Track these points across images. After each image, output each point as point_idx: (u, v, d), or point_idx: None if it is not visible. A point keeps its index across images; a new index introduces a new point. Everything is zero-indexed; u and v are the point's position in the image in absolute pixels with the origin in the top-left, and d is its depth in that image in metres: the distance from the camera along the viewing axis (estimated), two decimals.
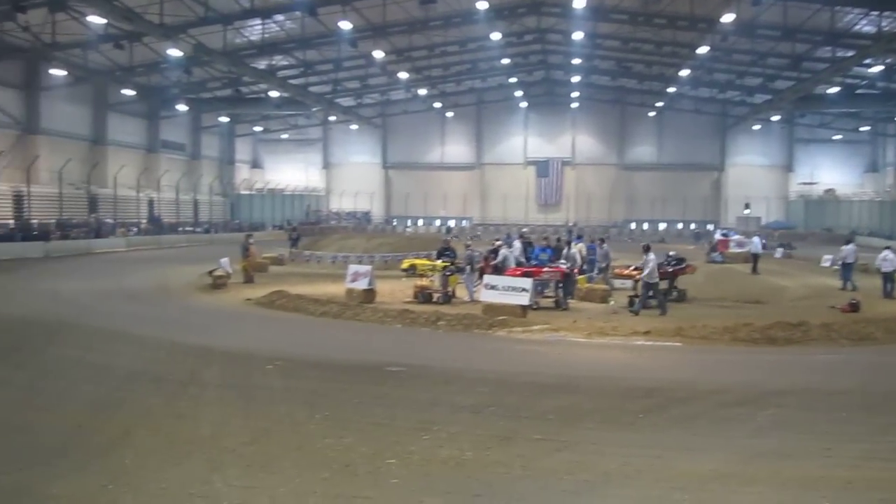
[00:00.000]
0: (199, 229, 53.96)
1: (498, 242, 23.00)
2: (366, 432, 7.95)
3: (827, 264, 28.41)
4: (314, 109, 61.15)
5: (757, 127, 66.70)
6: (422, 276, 20.65)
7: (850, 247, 24.04)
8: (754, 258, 29.17)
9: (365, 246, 33.94)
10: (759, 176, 68.62)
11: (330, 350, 12.97)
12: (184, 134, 61.22)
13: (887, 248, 22.36)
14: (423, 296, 19.22)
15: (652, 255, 18.45)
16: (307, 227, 56.03)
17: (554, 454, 7.29)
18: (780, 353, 13.47)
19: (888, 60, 43.33)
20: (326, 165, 74.91)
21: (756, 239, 30.50)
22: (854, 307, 18.01)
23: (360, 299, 18.46)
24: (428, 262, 22.52)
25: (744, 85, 57.48)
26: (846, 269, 23.54)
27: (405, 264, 26.59)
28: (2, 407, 9.04)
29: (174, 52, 39.35)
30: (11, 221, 38.72)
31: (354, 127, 71.37)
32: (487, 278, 17.78)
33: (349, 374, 10.99)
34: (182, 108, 55.68)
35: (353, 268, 20.13)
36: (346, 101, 63.88)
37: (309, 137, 73.43)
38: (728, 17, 35.42)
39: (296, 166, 74.10)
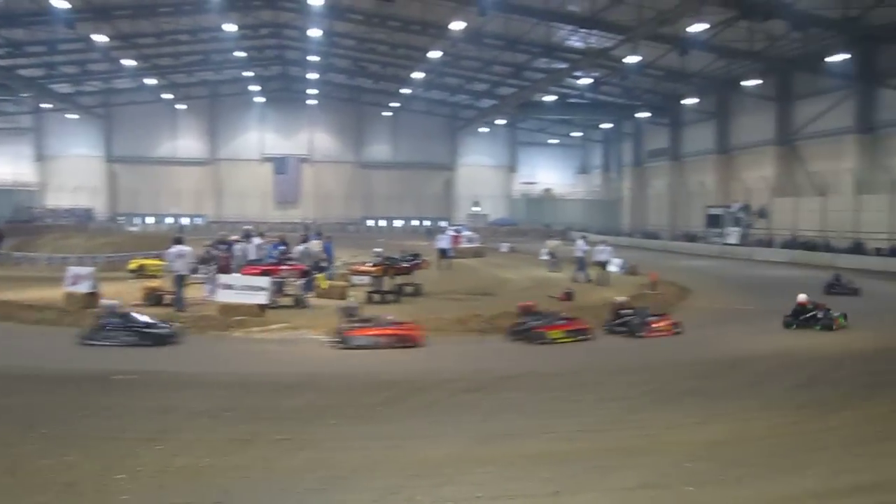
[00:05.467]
0: None
1: (233, 237, 22.23)
2: (91, 447, 7.33)
3: (545, 257, 30.84)
4: (23, 95, 55.16)
5: (484, 130, 70.96)
6: (152, 277, 19.52)
7: (581, 242, 26.56)
8: (440, 253, 30.48)
9: (86, 246, 31.22)
10: (487, 175, 73.32)
11: (47, 360, 11.77)
12: None
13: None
14: (154, 298, 18.14)
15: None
16: (15, 226, 50.18)
17: (296, 453, 7.24)
18: (507, 340, 14.46)
19: (595, 74, 48.19)
20: (40, 158, 67.40)
21: (442, 235, 32.22)
22: (569, 296, 19.79)
23: (82, 304, 16.99)
24: (158, 263, 21.26)
25: (472, 90, 60.89)
26: (579, 262, 25.85)
27: (133, 265, 24.95)
28: None
29: None
30: None
31: (73, 116, 65.31)
32: (224, 277, 17.20)
33: (70, 385, 10.08)
34: None
35: (72, 270, 18.44)
36: (63, 88, 58.35)
37: (19, 126, 65.73)
38: (457, 25, 37.17)
39: (2, 158, 66.23)
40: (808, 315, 16.21)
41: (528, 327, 14.48)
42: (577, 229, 59.45)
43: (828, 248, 36.56)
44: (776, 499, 6.20)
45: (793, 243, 39.52)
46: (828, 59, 35.05)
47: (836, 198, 38.20)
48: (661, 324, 15.32)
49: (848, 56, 34.79)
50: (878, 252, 33.89)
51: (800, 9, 32.40)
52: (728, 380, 11.17)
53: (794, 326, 16.13)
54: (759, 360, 12.68)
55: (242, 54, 54.68)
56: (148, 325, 13.57)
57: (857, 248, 35.18)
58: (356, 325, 13.77)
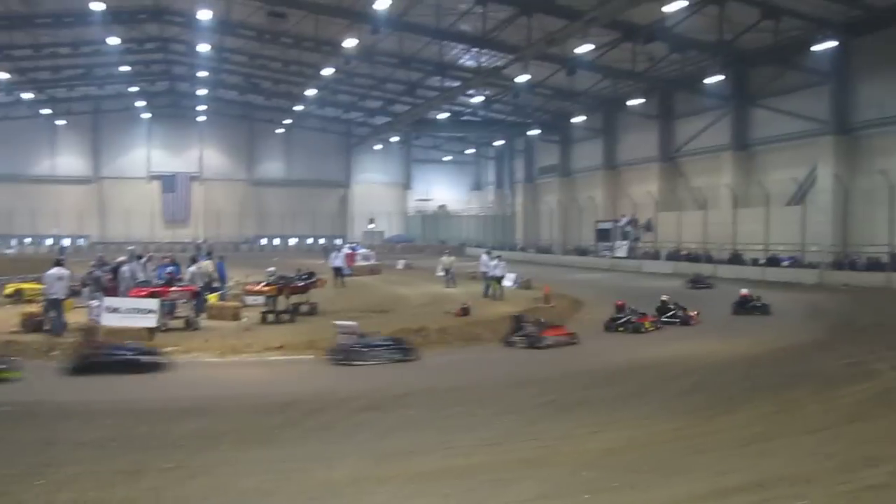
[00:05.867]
0: None
1: (120, 258, 21.43)
2: None
3: (440, 273, 31.02)
4: None
5: (378, 147, 70.99)
6: (30, 301, 18.50)
7: (486, 257, 26.78)
8: (335, 271, 30.22)
9: None
10: (382, 193, 73.34)
11: None
12: None
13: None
14: (33, 324, 17.18)
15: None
16: None
17: (187, 482, 6.99)
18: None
19: (487, 92, 49.07)
20: None
21: (335, 253, 32.17)
22: (465, 311, 19.95)
23: None
24: (37, 287, 20.21)
25: (366, 107, 60.96)
26: (486, 278, 26.04)
27: (9, 289, 23.59)
28: None
29: None
30: None
31: None
32: (109, 300, 16.50)
33: None
34: None
35: None
36: None
37: None
38: (350, 42, 37.11)
39: None
40: (750, 304, 21.08)
41: (628, 319, 17.68)
42: (473, 245, 60.44)
43: (709, 260, 38.31)
44: (666, 502, 6.43)
45: (677, 255, 41.25)
46: (705, 81, 36.92)
47: (715, 211, 40.14)
48: None
49: (723, 77, 36.78)
50: (755, 262, 35.82)
51: (678, 32, 34.02)
52: (620, 388, 11.52)
53: (741, 313, 20.79)
54: (649, 369, 13.14)
55: (127, 69, 52.89)
56: (398, 342, 14.54)
57: (736, 259, 37.05)
58: (538, 327, 15.73)
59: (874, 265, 30.68)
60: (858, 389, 11.03)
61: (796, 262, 34.19)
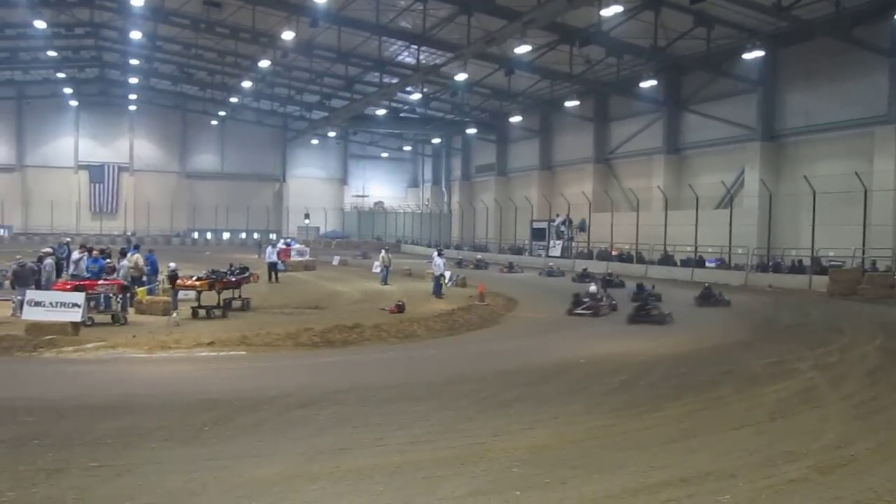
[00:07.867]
0: None
1: (44, 250, 20.81)
2: None
3: (377, 270, 30.96)
4: None
5: (315, 141, 70.42)
6: None
7: (437, 257, 26.63)
8: (270, 267, 29.96)
9: None
10: (318, 188, 72.69)
11: None
12: None
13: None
14: None
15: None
16: None
17: (112, 481, 6.79)
18: (338, 354, 14.39)
19: (425, 89, 49.07)
20: None
21: (271, 248, 31.87)
22: (400, 308, 19.94)
23: None
24: None
25: (303, 101, 60.31)
26: (437, 279, 25.84)
27: None
28: None
29: None
30: None
31: None
32: (32, 294, 15.93)
33: None
34: None
35: None
36: None
37: None
38: (288, 35, 36.71)
39: None
40: (711, 296, 24.01)
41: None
42: (409, 242, 60.47)
43: (641, 260, 39.10)
44: (596, 497, 6.53)
45: (609, 255, 41.95)
46: (640, 85, 37.67)
47: (647, 213, 40.99)
48: None
49: (657, 82, 37.58)
50: (685, 263, 36.69)
51: (614, 36, 34.60)
52: (552, 385, 11.65)
53: (702, 304, 23.61)
54: (580, 366, 13.34)
55: (54, 54, 51.16)
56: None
57: (667, 260, 37.89)
58: None
59: (797, 268, 31.80)
60: (780, 387, 11.40)
61: (723, 264, 35.17)
